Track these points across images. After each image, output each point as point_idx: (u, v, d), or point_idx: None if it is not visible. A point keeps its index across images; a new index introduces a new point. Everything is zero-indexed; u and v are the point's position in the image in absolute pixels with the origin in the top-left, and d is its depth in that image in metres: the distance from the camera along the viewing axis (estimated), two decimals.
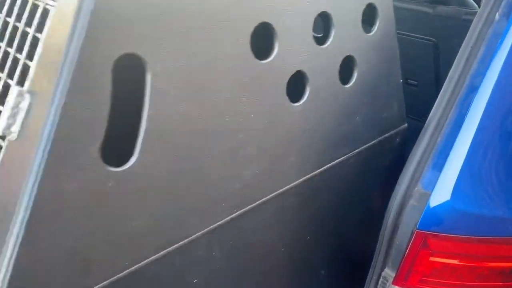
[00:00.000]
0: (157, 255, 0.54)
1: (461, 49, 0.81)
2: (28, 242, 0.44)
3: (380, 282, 0.77)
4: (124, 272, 0.52)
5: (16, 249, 0.43)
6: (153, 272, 0.55)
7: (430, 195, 0.72)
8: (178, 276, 0.59)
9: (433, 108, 0.79)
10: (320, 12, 0.67)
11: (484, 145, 0.74)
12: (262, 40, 0.62)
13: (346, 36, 0.73)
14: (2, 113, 0.47)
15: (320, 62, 0.69)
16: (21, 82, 0.49)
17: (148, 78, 0.49)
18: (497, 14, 0.80)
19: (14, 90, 0.47)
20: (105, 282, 0.50)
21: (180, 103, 0.53)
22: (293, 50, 0.64)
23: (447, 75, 0.80)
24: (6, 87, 0.51)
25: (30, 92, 0.46)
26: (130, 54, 0.47)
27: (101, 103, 0.46)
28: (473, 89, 0.76)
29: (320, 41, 0.70)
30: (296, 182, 0.71)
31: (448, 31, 1.34)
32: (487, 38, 0.79)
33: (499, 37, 0.77)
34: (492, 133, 0.75)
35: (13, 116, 0.46)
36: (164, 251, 0.55)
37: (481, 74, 0.76)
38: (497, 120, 0.75)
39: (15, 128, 0.46)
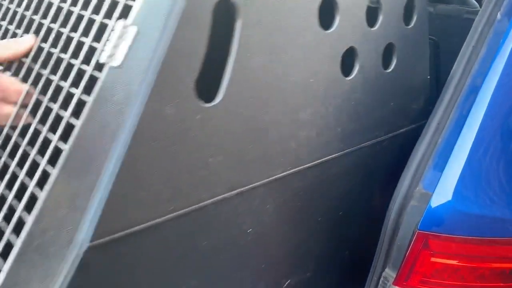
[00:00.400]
0: (226, 194, 0.58)
1: (462, 49, 0.81)
2: (129, 161, 0.47)
3: (380, 282, 0.77)
4: (198, 205, 0.55)
5: (118, 165, 0.47)
6: (220, 211, 0.59)
7: (431, 195, 0.72)
8: (238, 221, 0.62)
9: (434, 108, 0.80)
10: None
11: (485, 146, 0.74)
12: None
13: (391, 24, 0.79)
14: (107, 42, 0.51)
15: (369, 43, 0.75)
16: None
17: (238, 25, 0.54)
18: (498, 13, 0.80)
19: (119, 23, 0.51)
20: (185, 210, 0.53)
21: (259, 55, 0.57)
22: (349, 25, 0.70)
23: (447, 75, 0.82)
24: (103, 26, 0.55)
25: (135, 24, 0.51)
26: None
27: (201, 40, 0.51)
28: (475, 89, 0.76)
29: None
30: (339, 154, 0.76)
31: (449, 30, 1.35)
32: (488, 37, 0.78)
33: (501, 37, 0.78)
34: (494, 133, 0.75)
35: (117, 45, 0.51)
36: (231, 193, 0.59)
37: (482, 74, 0.76)
38: (498, 120, 0.75)
39: (119, 56, 0.50)
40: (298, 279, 0.79)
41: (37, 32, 0.64)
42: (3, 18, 0.71)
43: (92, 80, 0.54)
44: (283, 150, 0.65)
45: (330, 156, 0.74)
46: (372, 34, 0.76)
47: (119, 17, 0.53)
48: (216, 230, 0.59)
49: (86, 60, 0.56)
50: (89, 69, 0.54)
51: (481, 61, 0.77)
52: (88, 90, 0.54)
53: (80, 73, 0.56)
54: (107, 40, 0.51)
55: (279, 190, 0.67)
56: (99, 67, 0.53)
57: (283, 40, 0.60)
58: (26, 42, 0.65)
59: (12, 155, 0.59)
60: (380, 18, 0.76)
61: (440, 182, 0.72)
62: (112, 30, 0.51)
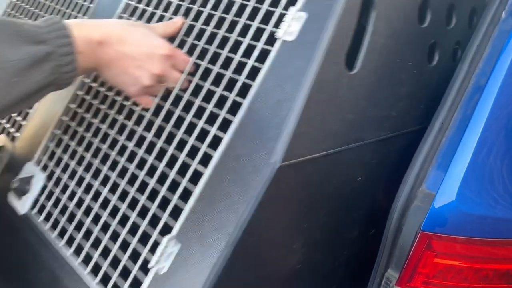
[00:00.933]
0: (351, 145, 0.75)
1: (466, 48, 0.83)
2: (305, 109, 0.65)
3: (383, 283, 0.78)
4: (335, 149, 0.72)
5: (300, 112, 0.65)
6: (345, 158, 0.76)
7: (434, 195, 0.72)
8: (354, 169, 0.79)
9: (438, 107, 0.81)
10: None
11: (490, 146, 0.74)
12: None
13: (460, 25, 0.98)
14: (282, 23, 0.69)
15: (445, 39, 0.94)
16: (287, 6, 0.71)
17: (373, 15, 0.72)
18: (503, 12, 0.81)
19: (291, 9, 0.69)
20: (328, 151, 0.70)
21: (382, 39, 0.76)
22: (435, 23, 0.88)
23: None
24: (269, 13, 0.73)
25: (303, 11, 0.69)
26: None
27: (352, 24, 0.69)
28: (479, 89, 0.76)
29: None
30: (420, 127, 0.94)
31: None
32: (493, 37, 0.79)
33: (506, 36, 0.78)
34: (498, 133, 0.74)
35: (290, 25, 0.69)
36: (354, 144, 0.76)
37: (487, 73, 0.76)
38: (503, 120, 0.75)
39: (293, 33, 0.68)
40: (379, 231, 0.96)
41: (197, 18, 0.82)
42: (169, 11, 0.89)
43: (263, 52, 0.72)
44: (387, 116, 0.82)
45: (415, 128, 0.92)
46: (448, 32, 0.94)
47: (286, 6, 0.72)
48: (341, 173, 0.77)
49: (254, 38, 0.74)
50: (259, 44, 0.72)
51: (486, 60, 0.78)
52: (259, 60, 0.72)
53: (249, 48, 0.74)
54: (283, 21, 0.69)
55: (381, 150, 0.84)
56: (269, 42, 0.71)
57: (397, 29, 0.78)
58: (179, 22, 0.83)
59: (186, 109, 0.77)
60: (454, 20, 0.95)
61: (444, 182, 0.72)
62: (286, 14, 0.69)
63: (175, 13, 0.86)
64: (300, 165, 0.66)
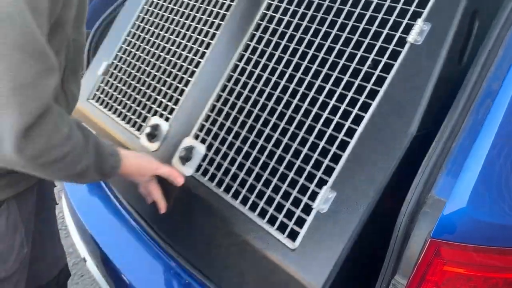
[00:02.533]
0: None
1: (478, 52, 0.84)
2: (432, 96, 0.89)
3: None
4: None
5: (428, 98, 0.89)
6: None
7: (444, 202, 0.71)
8: None
9: (449, 112, 0.81)
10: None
11: (502, 152, 0.72)
12: None
13: None
14: (413, 29, 0.93)
15: None
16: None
17: (477, 24, 0.96)
18: None
19: (419, 20, 0.93)
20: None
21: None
22: None
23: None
24: (396, 23, 0.98)
25: (428, 20, 0.93)
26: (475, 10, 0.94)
27: (465, 28, 0.92)
28: (491, 93, 0.76)
29: None
30: None
31: None
32: (505, 41, 0.80)
33: None
34: (510, 139, 0.74)
35: (419, 32, 0.93)
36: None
37: (499, 78, 0.76)
38: None
39: (420, 38, 0.92)
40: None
41: (331, 26, 1.07)
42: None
43: (393, 53, 0.96)
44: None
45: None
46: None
47: (411, 17, 0.96)
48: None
49: (385, 41, 0.98)
50: (391, 46, 0.97)
51: (498, 65, 0.77)
52: (391, 57, 0.96)
53: (381, 50, 0.98)
54: (412, 28, 0.93)
55: None
56: (399, 44, 0.96)
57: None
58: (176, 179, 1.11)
59: (329, 96, 1.02)
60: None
61: (455, 189, 0.71)
62: (411, 24, 0.94)
63: (311, 22, 1.11)
64: (420, 138, 0.91)
